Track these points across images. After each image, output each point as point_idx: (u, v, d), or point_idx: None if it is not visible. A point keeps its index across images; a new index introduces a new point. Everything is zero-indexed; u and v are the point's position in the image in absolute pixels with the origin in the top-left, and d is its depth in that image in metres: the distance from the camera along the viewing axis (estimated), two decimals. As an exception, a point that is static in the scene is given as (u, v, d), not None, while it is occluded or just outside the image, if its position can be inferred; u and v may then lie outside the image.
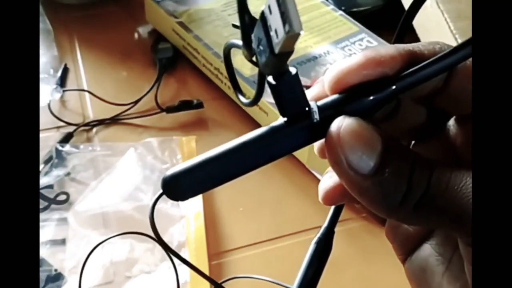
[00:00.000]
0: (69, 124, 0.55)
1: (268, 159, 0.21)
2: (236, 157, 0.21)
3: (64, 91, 0.58)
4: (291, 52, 0.19)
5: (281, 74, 0.21)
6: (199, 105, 0.58)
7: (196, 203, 0.49)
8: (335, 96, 0.22)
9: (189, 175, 0.21)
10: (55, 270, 0.44)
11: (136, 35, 0.67)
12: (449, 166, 0.20)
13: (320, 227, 0.30)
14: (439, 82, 0.23)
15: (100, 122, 0.56)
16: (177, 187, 0.21)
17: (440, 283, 0.23)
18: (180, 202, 0.49)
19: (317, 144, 0.24)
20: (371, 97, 0.21)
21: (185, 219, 0.48)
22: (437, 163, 0.20)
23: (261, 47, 0.20)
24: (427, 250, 0.24)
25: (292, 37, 0.18)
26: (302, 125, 0.21)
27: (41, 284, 0.43)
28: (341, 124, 0.21)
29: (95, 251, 0.44)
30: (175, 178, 0.20)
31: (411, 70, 0.21)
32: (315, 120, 0.21)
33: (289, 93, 0.21)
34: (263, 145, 0.21)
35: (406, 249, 0.25)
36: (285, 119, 0.21)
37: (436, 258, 0.23)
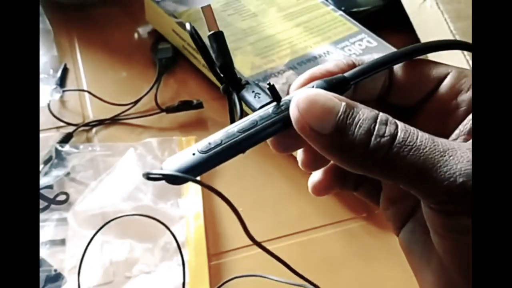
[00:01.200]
0: (69, 124, 0.55)
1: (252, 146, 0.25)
2: (226, 148, 0.24)
3: (64, 91, 0.58)
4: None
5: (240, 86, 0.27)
6: (199, 105, 0.58)
7: (196, 203, 0.49)
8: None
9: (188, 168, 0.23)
10: (55, 270, 0.44)
11: (136, 35, 0.67)
12: (414, 128, 0.23)
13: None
14: (385, 81, 0.28)
15: (100, 122, 0.56)
16: (179, 177, 0.23)
17: (423, 251, 0.26)
18: (180, 203, 0.49)
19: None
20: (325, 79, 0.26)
21: (185, 219, 0.48)
22: (401, 123, 0.23)
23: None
24: (412, 224, 0.27)
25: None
26: (275, 117, 0.25)
27: (41, 284, 0.43)
28: (298, 94, 0.24)
29: (95, 251, 0.44)
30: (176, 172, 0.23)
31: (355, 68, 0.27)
32: (280, 107, 0.25)
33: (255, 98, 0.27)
34: (250, 137, 0.25)
35: (398, 225, 0.28)
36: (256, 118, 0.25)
37: (419, 230, 0.27)
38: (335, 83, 0.26)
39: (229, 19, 0.62)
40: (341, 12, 0.65)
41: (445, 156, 0.21)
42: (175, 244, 0.44)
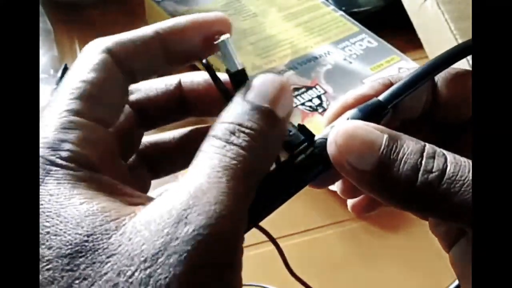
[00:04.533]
0: (69, 124, 0.55)
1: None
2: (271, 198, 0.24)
3: (64, 91, 0.58)
4: None
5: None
6: (199, 105, 0.58)
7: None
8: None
9: None
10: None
11: (136, 35, 0.67)
12: (465, 159, 0.20)
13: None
14: (428, 97, 0.25)
15: (100, 122, 0.56)
16: None
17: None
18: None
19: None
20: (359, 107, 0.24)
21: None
22: (451, 154, 0.21)
23: None
24: (465, 242, 0.25)
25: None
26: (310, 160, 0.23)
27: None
28: (335, 129, 0.22)
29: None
30: None
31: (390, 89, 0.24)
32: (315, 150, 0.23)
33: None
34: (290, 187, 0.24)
35: (448, 242, 0.26)
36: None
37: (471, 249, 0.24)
38: (370, 110, 0.23)
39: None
40: (341, 12, 0.65)
41: None
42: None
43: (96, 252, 0.18)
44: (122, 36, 0.24)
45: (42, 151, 0.20)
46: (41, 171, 0.20)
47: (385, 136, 0.21)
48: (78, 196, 0.19)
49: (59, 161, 0.20)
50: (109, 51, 0.23)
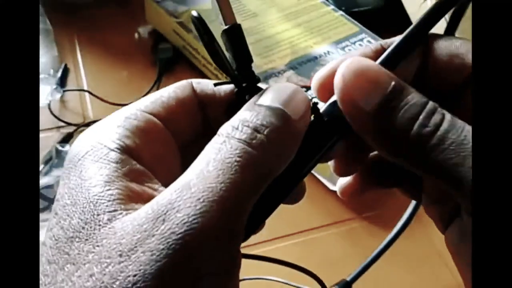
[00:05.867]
0: (69, 124, 0.55)
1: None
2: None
3: (64, 91, 0.58)
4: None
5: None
6: (199, 105, 0.58)
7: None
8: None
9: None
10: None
11: (136, 35, 0.67)
12: (464, 122, 0.20)
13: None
14: (418, 61, 0.24)
15: (100, 122, 0.56)
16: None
17: (469, 252, 0.24)
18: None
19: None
20: None
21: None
22: (450, 114, 0.21)
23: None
24: (459, 223, 0.25)
25: None
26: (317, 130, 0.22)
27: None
28: (345, 63, 0.21)
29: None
30: None
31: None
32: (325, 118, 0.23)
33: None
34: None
35: (442, 223, 0.26)
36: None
37: (465, 230, 0.24)
38: None
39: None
40: (341, 12, 0.65)
41: None
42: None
43: (87, 241, 0.18)
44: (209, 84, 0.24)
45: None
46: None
47: (393, 82, 0.21)
48: (97, 178, 0.19)
49: (109, 143, 0.20)
50: (193, 88, 0.24)
